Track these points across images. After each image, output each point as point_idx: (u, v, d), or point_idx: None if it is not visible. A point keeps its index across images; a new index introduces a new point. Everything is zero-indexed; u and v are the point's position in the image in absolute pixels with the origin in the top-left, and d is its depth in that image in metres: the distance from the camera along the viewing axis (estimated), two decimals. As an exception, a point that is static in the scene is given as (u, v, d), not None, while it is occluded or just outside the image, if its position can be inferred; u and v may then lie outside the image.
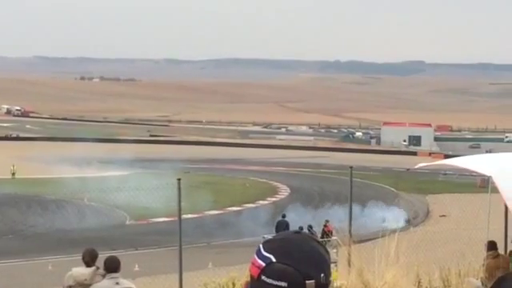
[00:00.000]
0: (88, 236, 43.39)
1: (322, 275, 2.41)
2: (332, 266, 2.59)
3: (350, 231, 16.15)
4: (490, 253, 13.78)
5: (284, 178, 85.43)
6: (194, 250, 36.56)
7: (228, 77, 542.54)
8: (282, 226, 36.68)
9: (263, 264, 2.41)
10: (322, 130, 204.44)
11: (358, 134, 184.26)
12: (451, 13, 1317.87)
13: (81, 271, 10.40)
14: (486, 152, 72.00)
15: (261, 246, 2.47)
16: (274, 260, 2.40)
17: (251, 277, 2.45)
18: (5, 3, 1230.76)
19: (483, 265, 12.53)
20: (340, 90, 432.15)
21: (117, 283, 10.02)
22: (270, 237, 2.69)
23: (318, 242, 2.52)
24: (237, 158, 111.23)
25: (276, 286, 2.38)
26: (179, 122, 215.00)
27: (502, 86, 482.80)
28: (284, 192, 75.01)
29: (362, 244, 18.07)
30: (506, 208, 12.83)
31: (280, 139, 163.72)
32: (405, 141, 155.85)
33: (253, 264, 2.44)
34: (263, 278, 2.40)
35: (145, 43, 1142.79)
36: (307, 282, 2.38)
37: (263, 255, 2.42)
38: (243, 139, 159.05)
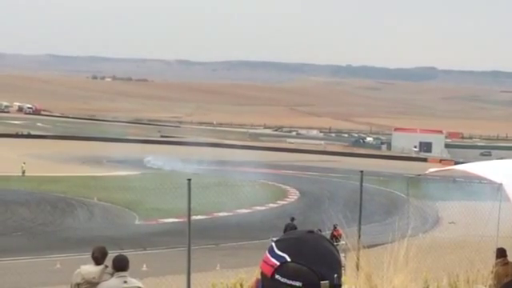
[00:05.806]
0: (96, 235, 43.41)
1: (336, 275, 2.41)
2: (341, 269, 2.58)
3: (359, 235, 16.13)
4: (499, 260, 13.73)
5: (293, 182, 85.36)
6: (203, 251, 36.49)
7: (239, 79, 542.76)
8: (291, 229, 36.64)
9: (277, 263, 2.40)
10: (333, 135, 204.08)
11: (369, 139, 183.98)
12: (464, 19, 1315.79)
13: (89, 269, 10.39)
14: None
15: (273, 244, 2.46)
16: (288, 259, 2.39)
17: (263, 275, 2.44)
18: (18, 2, 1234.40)
19: (492, 272, 12.48)
20: (351, 95, 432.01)
21: (125, 282, 10.02)
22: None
23: (330, 242, 2.52)
24: (247, 160, 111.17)
25: (290, 285, 2.38)
26: (190, 123, 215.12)
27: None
28: (293, 195, 74.97)
29: (372, 249, 18.05)
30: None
31: (290, 142, 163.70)
32: (415, 147, 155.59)
33: (265, 262, 2.43)
34: (277, 276, 2.39)
35: (157, 44, 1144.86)
36: (322, 282, 2.38)
37: (277, 254, 2.42)
38: (253, 142, 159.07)
